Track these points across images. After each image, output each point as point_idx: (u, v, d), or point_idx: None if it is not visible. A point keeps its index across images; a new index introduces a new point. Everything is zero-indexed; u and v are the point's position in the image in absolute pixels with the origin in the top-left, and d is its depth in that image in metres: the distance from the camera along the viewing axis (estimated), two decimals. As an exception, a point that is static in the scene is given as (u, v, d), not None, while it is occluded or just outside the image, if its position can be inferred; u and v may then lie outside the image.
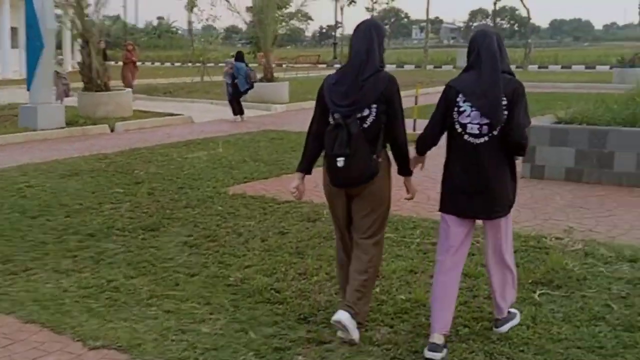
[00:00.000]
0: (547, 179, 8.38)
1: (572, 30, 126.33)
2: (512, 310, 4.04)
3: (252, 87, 16.11)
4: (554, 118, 9.03)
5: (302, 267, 5.13)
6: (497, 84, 3.56)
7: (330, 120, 3.76)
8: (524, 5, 42.56)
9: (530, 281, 4.73)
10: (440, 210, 3.84)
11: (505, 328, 3.95)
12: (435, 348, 3.61)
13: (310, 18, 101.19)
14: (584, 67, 39.64)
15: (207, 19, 32.03)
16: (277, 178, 8.81)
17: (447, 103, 3.72)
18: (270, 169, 9.34)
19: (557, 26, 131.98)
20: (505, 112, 3.55)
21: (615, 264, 5.10)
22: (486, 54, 3.60)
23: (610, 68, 31.94)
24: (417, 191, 4.12)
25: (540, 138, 8.43)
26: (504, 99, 3.55)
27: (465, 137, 3.65)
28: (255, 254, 5.49)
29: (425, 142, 3.90)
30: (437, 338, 3.66)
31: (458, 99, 3.66)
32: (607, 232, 6.08)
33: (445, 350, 3.63)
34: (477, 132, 3.62)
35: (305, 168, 4.06)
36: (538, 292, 4.56)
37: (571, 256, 5.29)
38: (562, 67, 39.66)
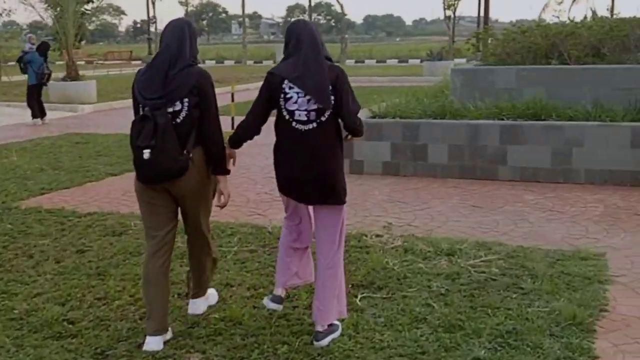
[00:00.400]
0: (367, 174, 8.42)
1: (385, 26, 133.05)
2: (335, 322, 3.82)
3: (43, 85, 14.83)
4: (369, 112, 9.09)
5: (102, 291, 4.57)
6: (322, 68, 3.57)
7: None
8: (338, 1, 43.81)
9: (351, 285, 4.56)
10: (279, 189, 3.87)
11: (325, 341, 3.72)
12: (278, 300, 3.91)
13: (123, 12, 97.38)
14: (397, 61, 41.61)
15: (1, 14, 29.43)
16: (80, 187, 8.06)
17: (270, 92, 3.66)
18: (72, 178, 8.52)
19: (371, 22, 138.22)
20: (332, 98, 3.56)
21: (434, 259, 5.10)
22: (308, 40, 3.61)
23: (421, 61, 33.74)
24: (230, 194, 3.80)
25: (357, 133, 8.43)
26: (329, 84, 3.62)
27: (294, 124, 3.61)
28: (47, 279, 4.84)
29: (245, 134, 3.79)
30: (281, 291, 3.92)
31: (284, 86, 3.60)
32: (424, 226, 6.13)
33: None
34: (305, 118, 3.59)
35: None
36: (359, 296, 4.39)
37: (391, 254, 5.22)
38: (377, 62, 41.31)
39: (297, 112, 3.58)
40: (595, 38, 8.74)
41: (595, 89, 8.31)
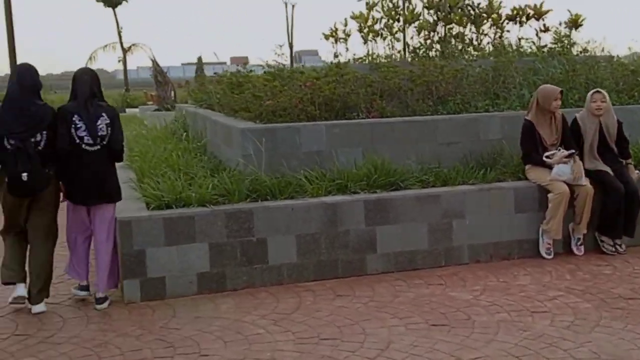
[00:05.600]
0: (171, 297, 5.61)
1: None
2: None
3: None
4: (141, 198, 6.17)
5: None
6: (89, 107, 5.33)
7: (6, 144, 5.05)
8: None
9: None
10: (67, 199, 5.49)
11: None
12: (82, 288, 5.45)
13: None
14: None
15: None
16: None
17: (66, 123, 5.26)
18: None
19: None
20: (109, 129, 5.37)
21: None
22: (81, 87, 5.41)
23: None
24: None
25: None
26: (107, 119, 5.37)
27: (83, 146, 5.30)
28: None
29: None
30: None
31: (74, 119, 5.29)
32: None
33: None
34: (92, 142, 5.31)
35: None
36: None
37: None
38: None
39: (86, 138, 5.30)
40: (403, 83, 7.69)
41: (419, 145, 7.17)
